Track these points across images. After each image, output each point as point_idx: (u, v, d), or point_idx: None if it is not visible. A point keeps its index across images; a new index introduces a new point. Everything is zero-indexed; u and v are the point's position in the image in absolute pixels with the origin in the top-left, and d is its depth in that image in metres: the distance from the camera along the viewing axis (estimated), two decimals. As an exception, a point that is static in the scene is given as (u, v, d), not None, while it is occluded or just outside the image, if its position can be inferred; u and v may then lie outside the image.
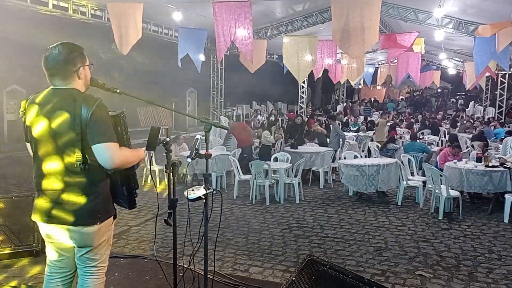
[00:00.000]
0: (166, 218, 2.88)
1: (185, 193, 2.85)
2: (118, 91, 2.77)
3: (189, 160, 2.90)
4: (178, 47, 12.88)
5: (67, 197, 2.58)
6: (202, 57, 13.22)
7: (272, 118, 18.54)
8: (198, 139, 2.96)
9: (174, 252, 2.95)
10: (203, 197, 2.87)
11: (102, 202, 2.67)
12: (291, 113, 21.75)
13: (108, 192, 2.72)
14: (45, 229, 2.72)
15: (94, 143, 2.49)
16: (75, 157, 2.54)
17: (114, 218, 2.82)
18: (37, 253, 5.11)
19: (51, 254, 2.82)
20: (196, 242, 3.23)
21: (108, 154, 2.49)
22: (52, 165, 2.59)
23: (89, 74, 2.72)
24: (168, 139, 2.81)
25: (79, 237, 2.64)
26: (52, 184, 2.60)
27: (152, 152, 2.76)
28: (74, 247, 2.72)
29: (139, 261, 5.18)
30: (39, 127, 2.59)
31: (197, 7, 11.98)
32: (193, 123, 21.79)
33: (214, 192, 3.02)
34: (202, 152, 2.88)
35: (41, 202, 2.65)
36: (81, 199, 2.58)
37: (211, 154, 2.86)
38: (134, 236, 6.36)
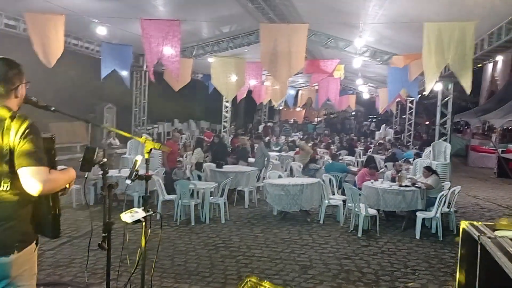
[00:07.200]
0: (100, 242, 2.72)
1: (122, 215, 2.73)
2: (52, 109, 2.59)
3: (128, 181, 2.79)
4: (101, 62, 12.43)
5: None
6: (125, 73, 12.87)
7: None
8: (138, 160, 2.85)
9: (107, 278, 2.79)
10: (143, 220, 2.76)
11: (21, 230, 2.42)
12: (208, 132, 21.71)
13: (29, 219, 2.47)
14: None
15: (21, 166, 2.28)
16: (1, 181, 2.32)
17: (36, 244, 2.56)
18: None
19: None
20: (132, 266, 3.08)
21: (36, 178, 2.27)
22: None
23: (24, 92, 2.53)
24: (105, 159, 2.68)
25: None
26: None
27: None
28: None
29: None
30: None
31: (121, 23, 11.69)
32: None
33: (154, 214, 2.93)
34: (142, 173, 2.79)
35: None
36: None
37: (151, 176, 2.79)
38: (48, 261, 5.93)
